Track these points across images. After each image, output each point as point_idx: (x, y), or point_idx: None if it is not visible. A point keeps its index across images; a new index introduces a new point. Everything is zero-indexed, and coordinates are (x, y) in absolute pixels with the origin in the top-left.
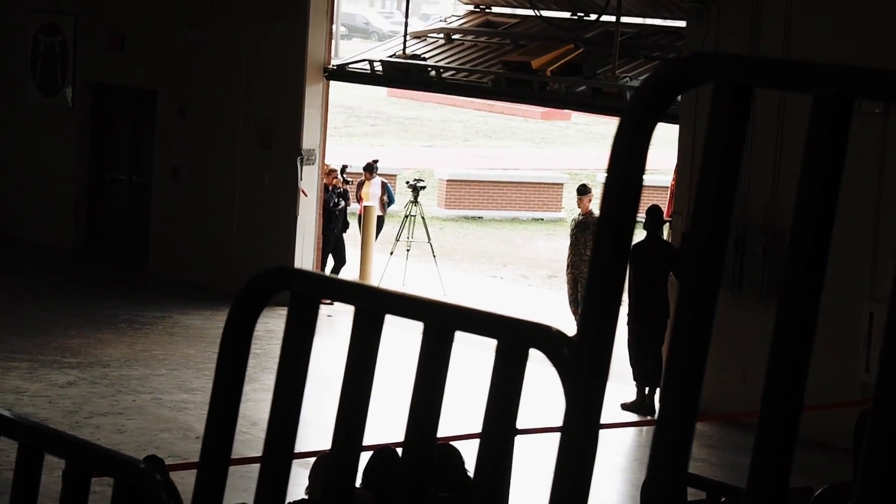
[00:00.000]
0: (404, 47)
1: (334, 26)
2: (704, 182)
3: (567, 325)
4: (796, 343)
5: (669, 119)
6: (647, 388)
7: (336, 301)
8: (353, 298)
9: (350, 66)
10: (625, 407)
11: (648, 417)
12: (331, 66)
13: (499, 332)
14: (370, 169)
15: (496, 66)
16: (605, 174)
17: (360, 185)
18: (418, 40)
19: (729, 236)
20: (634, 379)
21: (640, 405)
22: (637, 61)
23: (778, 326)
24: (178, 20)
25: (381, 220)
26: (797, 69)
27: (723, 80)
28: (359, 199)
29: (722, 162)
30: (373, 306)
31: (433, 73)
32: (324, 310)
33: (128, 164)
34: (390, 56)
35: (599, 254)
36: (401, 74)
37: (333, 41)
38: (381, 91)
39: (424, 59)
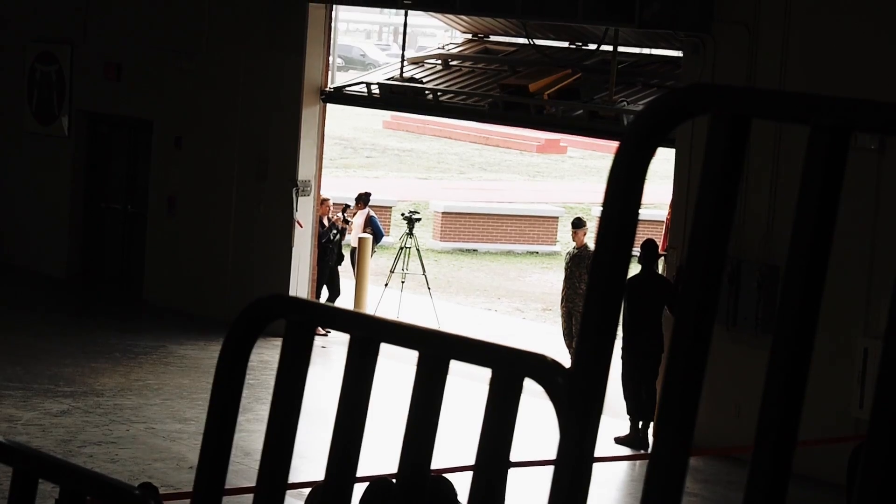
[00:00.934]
0: (401, 71)
1: (331, 57)
2: (701, 213)
3: (561, 358)
4: (790, 378)
5: (667, 143)
6: (640, 423)
7: (331, 329)
8: (349, 326)
9: (347, 89)
10: (618, 441)
11: (642, 452)
12: (327, 90)
13: (493, 361)
14: (362, 200)
15: (494, 90)
16: (602, 203)
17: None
18: (416, 66)
19: (725, 268)
20: (628, 413)
21: (633, 439)
22: (634, 88)
23: (772, 361)
24: (173, 50)
25: (353, 252)
26: (794, 100)
27: (721, 110)
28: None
29: (719, 192)
30: (368, 335)
31: (430, 96)
32: (318, 341)
33: (123, 194)
34: (387, 80)
35: (595, 284)
36: (398, 98)
37: (330, 71)
38: (377, 123)
39: (422, 83)
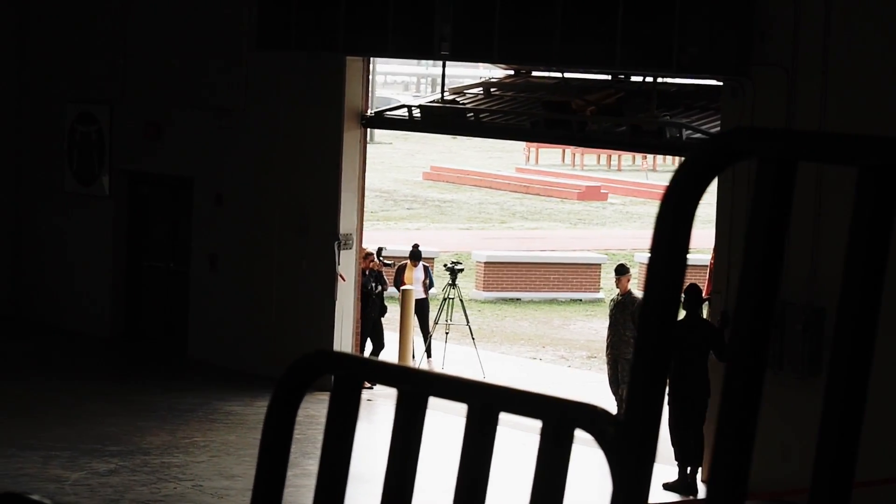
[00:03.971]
0: (442, 96)
1: (370, 111)
2: (750, 258)
3: (608, 406)
4: (846, 420)
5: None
6: (688, 468)
7: (379, 384)
8: (397, 381)
9: (388, 113)
10: (667, 487)
11: (690, 497)
12: (368, 114)
13: (543, 412)
14: (416, 256)
15: (536, 108)
16: (650, 249)
17: (403, 269)
18: (457, 94)
19: (775, 311)
20: (676, 459)
21: (682, 485)
22: (676, 109)
23: (827, 403)
24: (212, 107)
25: (426, 304)
26: (841, 142)
27: (767, 153)
28: (400, 284)
29: (767, 237)
30: (416, 389)
31: (472, 116)
32: (364, 394)
33: (165, 252)
34: (429, 103)
35: (645, 332)
36: (439, 119)
37: (368, 131)
38: (417, 174)
39: (464, 106)
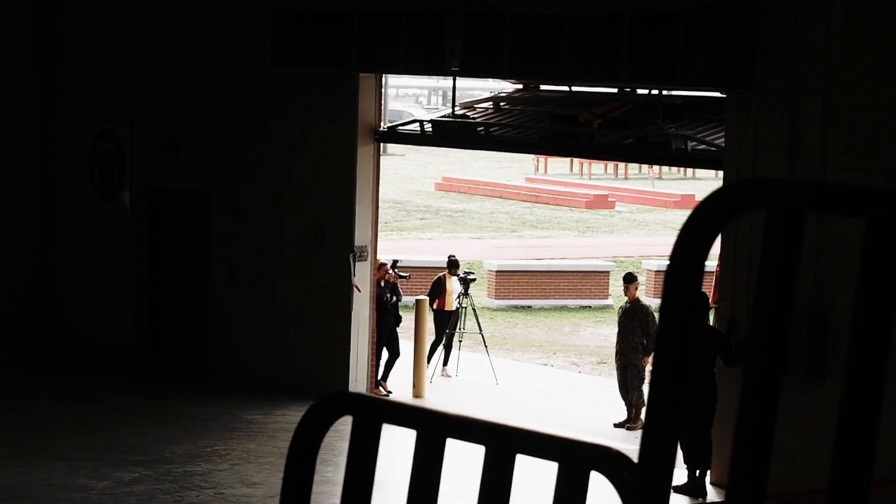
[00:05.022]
0: (453, 111)
1: (383, 122)
2: (760, 304)
3: (618, 411)
4: (862, 421)
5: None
6: (697, 471)
7: (398, 426)
8: (415, 423)
9: (400, 128)
10: (676, 490)
11: (700, 500)
12: (381, 129)
13: (560, 454)
14: (454, 266)
15: (544, 122)
16: (661, 297)
17: (442, 280)
18: (467, 109)
19: (787, 355)
20: (685, 462)
21: (691, 488)
22: (681, 121)
23: (844, 405)
24: (229, 123)
25: (456, 315)
26: (848, 194)
27: (776, 205)
28: (441, 294)
29: (777, 286)
30: (434, 431)
31: (482, 130)
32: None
33: (185, 264)
34: (440, 117)
35: (659, 378)
36: (450, 133)
37: (381, 145)
38: (429, 185)
39: (474, 120)
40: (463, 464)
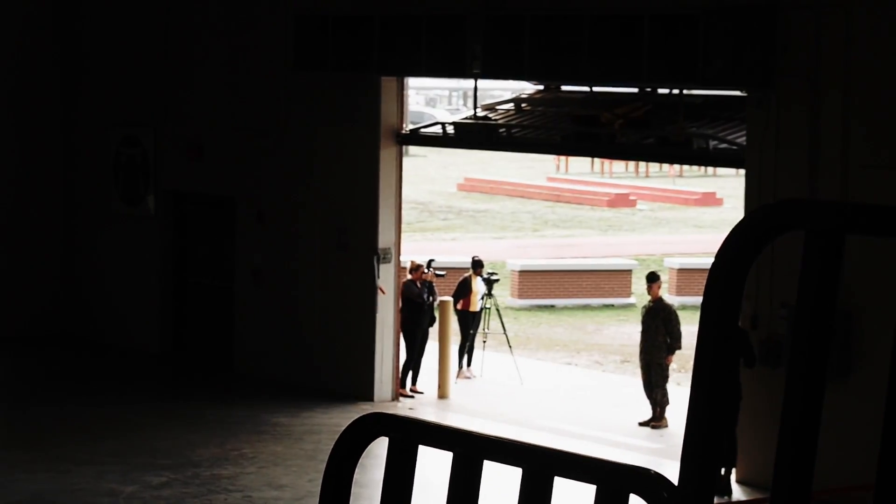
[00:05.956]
0: (475, 113)
1: (405, 125)
2: (799, 325)
3: (643, 409)
4: None
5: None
6: (722, 469)
7: (434, 447)
8: (451, 444)
9: (422, 130)
10: None
11: (725, 498)
12: (403, 131)
13: (598, 477)
14: (478, 265)
15: (565, 122)
16: (700, 321)
17: (468, 281)
18: (489, 111)
19: (826, 377)
20: None
21: (717, 486)
22: (702, 120)
23: (889, 402)
24: (252, 128)
25: (479, 315)
26: (887, 215)
27: (815, 227)
28: (467, 295)
29: (815, 306)
30: (471, 452)
31: (503, 131)
32: (405, 402)
33: (210, 268)
34: (462, 119)
35: (696, 401)
36: (472, 135)
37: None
38: (451, 185)
39: (496, 122)
40: (500, 485)
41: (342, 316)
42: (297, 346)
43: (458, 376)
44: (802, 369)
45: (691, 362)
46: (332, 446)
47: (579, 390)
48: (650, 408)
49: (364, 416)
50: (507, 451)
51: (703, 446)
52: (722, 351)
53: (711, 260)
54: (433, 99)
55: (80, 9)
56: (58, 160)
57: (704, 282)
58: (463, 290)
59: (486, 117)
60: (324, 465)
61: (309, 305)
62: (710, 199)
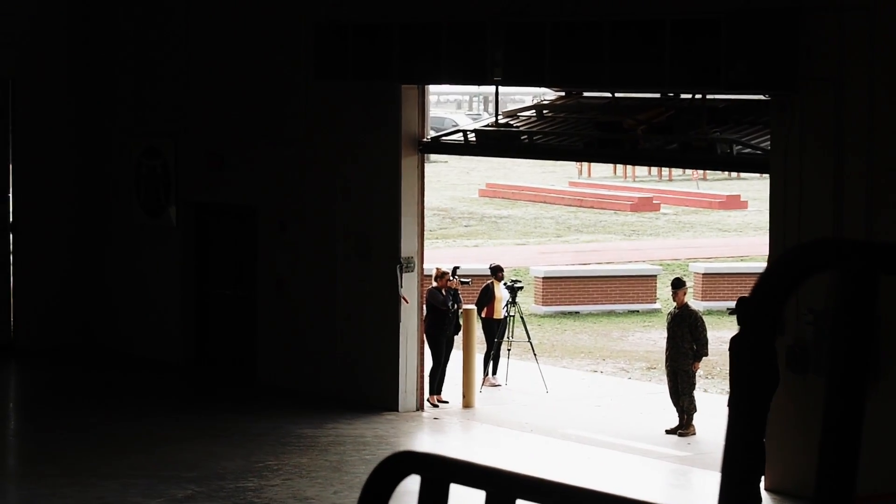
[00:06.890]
0: (496, 120)
1: (426, 135)
2: (835, 366)
3: (670, 417)
4: None
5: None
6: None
7: (465, 485)
8: (483, 483)
9: (443, 137)
10: None
11: None
12: (425, 139)
13: None
14: (500, 271)
15: (588, 129)
16: (738, 355)
17: (490, 288)
18: (510, 118)
19: (864, 412)
20: None
21: None
22: (726, 125)
23: None
24: (273, 137)
25: (504, 323)
26: None
27: (850, 267)
28: (490, 302)
29: (850, 347)
30: (504, 492)
31: (526, 139)
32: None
33: (232, 279)
34: (483, 126)
35: (732, 442)
36: (494, 143)
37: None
38: (473, 192)
39: (518, 129)
40: None
41: (366, 325)
42: (320, 355)
43: (483, 385)
44: (839, 411)
45: (717, 368)
46: (363, 478)
47: (605, 398)
48: (677, 415)
49: (394, 454)
50: (541, 490)
51: (738, 484)
52: (756, 392)
53: (736, 264)
54: (458, 101)
55: (101, 20)
56: (80, 172)
57: (729, 287)
58: (485, 298)
59: (507, 124)
60: (348, 477)
61: (332, 315)
62: (734, 203)
